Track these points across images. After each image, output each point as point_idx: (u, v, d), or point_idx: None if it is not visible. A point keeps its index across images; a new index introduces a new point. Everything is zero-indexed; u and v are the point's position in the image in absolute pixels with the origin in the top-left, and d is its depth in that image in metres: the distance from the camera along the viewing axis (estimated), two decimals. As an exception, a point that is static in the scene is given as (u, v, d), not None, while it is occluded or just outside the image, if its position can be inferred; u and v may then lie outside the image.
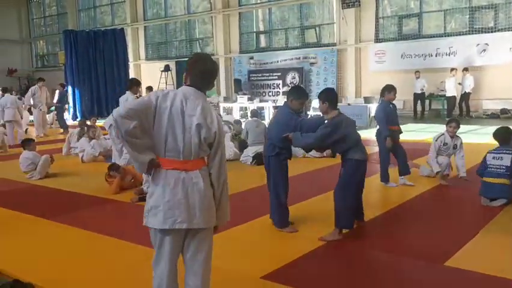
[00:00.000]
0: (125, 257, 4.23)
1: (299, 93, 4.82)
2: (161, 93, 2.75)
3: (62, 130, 15.46)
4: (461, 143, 6.67)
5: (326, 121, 4.61)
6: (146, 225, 2.75)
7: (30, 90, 14.95)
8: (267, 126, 4.94)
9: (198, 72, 2.79)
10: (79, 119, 15.23)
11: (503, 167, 5.49)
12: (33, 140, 8.70)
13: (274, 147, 4.76)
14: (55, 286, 3.63)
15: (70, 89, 19.07)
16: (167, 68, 22.55)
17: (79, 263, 4.11)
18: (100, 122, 12.20)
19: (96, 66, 20.05)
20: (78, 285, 3.67)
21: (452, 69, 15.25)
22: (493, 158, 5.61)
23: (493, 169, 5.57)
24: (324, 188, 6.19)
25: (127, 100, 7.46)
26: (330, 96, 4.63)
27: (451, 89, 15.18)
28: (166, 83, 22.55)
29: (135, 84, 8.10)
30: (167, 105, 2.68)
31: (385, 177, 6.59)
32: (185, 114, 2.68)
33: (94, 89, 19.91)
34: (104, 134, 9.99)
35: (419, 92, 15.73)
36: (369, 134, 11.50)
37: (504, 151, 5.58)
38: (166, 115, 2.67)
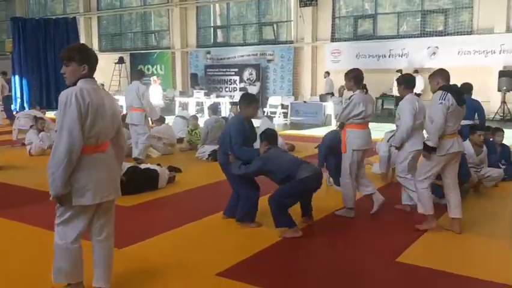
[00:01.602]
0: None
1: (248, 100, 4.88)
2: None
3: (8, 121, 14.80)
4: None
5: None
6: None
7: None
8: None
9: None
10: (26, 110, 14.61)
11: None
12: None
13: (225, 154, 4.83)
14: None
15: (17, 78, 18.28)
16: (121, 60, 22.02)
17: (24, 258, 3.94)
18: (50, 114, 11.75)
19: (46, 55, 19.30)
20: (22, 280, 3.51)
21: (397, 70, 15.68)
22: None
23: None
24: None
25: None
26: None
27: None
28: (119, 75, 22.03)
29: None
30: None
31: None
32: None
33: (44, 79, 19.18)
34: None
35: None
36: (324, 132, 11.69)
37: None
38: None
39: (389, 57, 16.82)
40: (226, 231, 4.75)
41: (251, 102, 4.86)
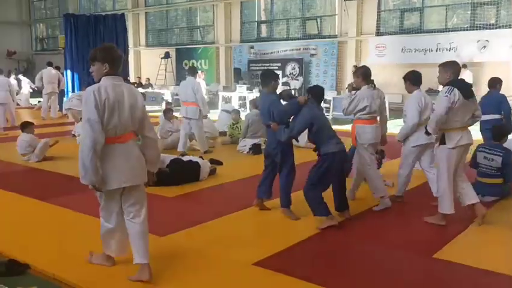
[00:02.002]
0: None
1: (264, 79, 5.07)
2: None
3: (61, 114, 15.47)
4: None
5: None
6: None
7: (39, 72, 15.27)
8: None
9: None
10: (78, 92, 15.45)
11: (495, 169, 5.52)
12: (32, 123, 8.72)
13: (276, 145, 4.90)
14: (50, 266, 3.68)
15: (68, 73, 19.03)
16: (167, 55, 22.49)
17: (74, 244, 4.16)
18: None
19: (96, 51, 19.95)
20: (73, 266, 3.73)
21: None
22: (484, 157, 5.62)
23: (484, 169, 5.60)
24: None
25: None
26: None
27: None
28: (165, 69, 22.52)
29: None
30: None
31: None
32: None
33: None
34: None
35: None
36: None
37: (494, 152, 5.56)
38: None
39: (437, 51, 16.34)
40: (264, 223, 4.84)
41: (268, 80, 5.04)
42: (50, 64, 15.93)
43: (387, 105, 14.30)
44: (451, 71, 4.63)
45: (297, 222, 4.82)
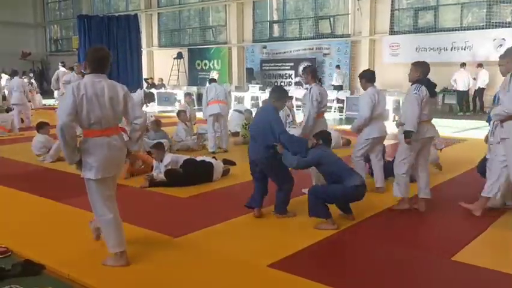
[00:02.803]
0: (133, 240, 4.28)
1: (280, 94, 5.05)
2: None
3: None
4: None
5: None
6: None
7: (55, 73, 15.41)
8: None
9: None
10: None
11: None
12: (47, 124, 8.79)
13: (268, 148, 4.82)
14: (65, 267, 3.69)
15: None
16: (180, 55, 22.56)
17: (89, 245, 4.17)
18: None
19: (109, 51, 20.08)
20: (88, 266, 3.73)
21: (462, 64, 15.08)
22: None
23: None
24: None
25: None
26: None
27: (462, 83, 15.07)
28: (178, 70, 22.59)
29: None
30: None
31: None
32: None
33: (107, 75, 19.98)
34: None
35: None
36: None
37: None
38: None
39: (451, 50, 16.16)
40: (278, 224, 4.80)
41: (282, 97, 5.05)
42: (63, 64, 15.99)
43: (401, 104, 14.22)
44: (420, 70, 5.14)
45: (312, 223, 4.77)
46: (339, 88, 17.49)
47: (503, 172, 4.75)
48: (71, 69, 16.95)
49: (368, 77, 5.96)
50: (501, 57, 4.73)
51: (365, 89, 5.95)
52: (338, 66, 18.00)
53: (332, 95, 17.00)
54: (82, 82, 3.62)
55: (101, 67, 3.73)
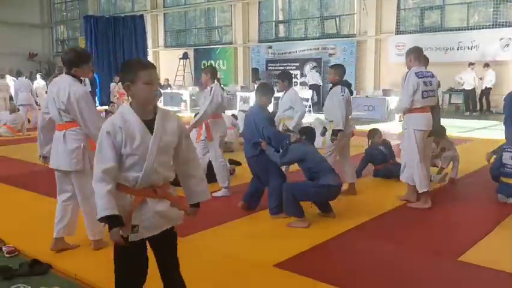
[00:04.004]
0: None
1: (265, 90, 5.20)
2: None
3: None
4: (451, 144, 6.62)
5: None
6: None
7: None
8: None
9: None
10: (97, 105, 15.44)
11: None
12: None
13: (256, 146, 4.93)
14: (72, 266, 3.71)
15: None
16: (185, 56, 22.61)
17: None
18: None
19: (115, 52, 20.17)
20: (95, 266, 3.75)
21: (470, 64, 15.01)
22: (510, 157, 5.48)
23: (509, 169, 5.46)
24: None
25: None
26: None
27: (469, 82, 15.00)
28: (184, 70, 22.64)
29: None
30: None
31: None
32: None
33: (113, 76, 20.07)
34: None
35: None
36: (386, 127, 11.43)
37: None
38: None
39: (458, 49, 16.09)
40: (284, 224, 4.79)
41: (268, 93, 5.19)
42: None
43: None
44: (340, 72, 5.71)
45: (318, 223, 4.77)
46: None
47: None
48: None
49: (290, 79, 6.41)
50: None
51: (283, 90, 6.32)
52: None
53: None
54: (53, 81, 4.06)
55: (67, 68, 3.94)
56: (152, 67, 2.44)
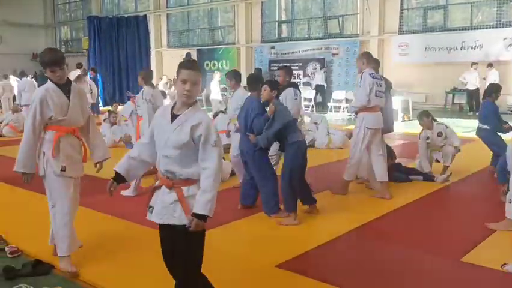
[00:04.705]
0: (142, 240, 4.30)
1: (252, 83, 5.15)
2: None
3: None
4: (446, 129, 6.60)
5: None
6: None
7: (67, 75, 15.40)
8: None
9: None
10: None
11: None
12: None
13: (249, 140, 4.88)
14: (75, 267, 3.71)
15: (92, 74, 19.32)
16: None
17: (98, 244, 4.20)
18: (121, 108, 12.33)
19: (118, 52, 20.20)
20: (96, 266, 3.75)
21: (473, 64, 14.96)
22: None
23: None
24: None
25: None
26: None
27: (472, 82, 14.97)
28: (187, 70, 22.62)
29: None
30: None
31: None
32: None
33: (116, 76, 20.11)
34: (125, 120, 10.09)
35: None
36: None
37: None
38: None
39: (461, 49, 16.04)
40: (284, 225, 4.79)
41: (254, 84, 5.13)
42: (79, 66, 16.07)
43: (410, 104, 14.16)
44: (289, 73, 5.91)
45: (319, 224, 4.76)
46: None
47: None
48: (84, 70, 17.04)
49: (239, 78, 6.24)
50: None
51: (234, 88, 6.24)
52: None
53: (340, 95, 16.98)
54: None
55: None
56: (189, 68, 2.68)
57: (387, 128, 6.03)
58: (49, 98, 3.57)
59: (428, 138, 6.54)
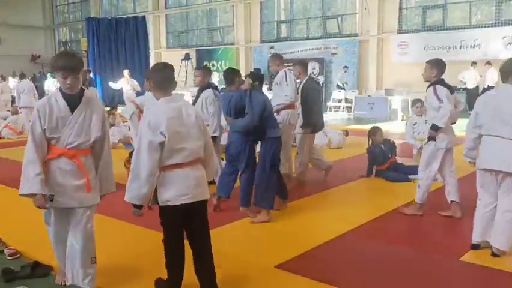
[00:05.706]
0: (142, 241, 4.29)
1: (228, 79, 5.21)
2: None
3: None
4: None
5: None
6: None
7: None
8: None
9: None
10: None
11: None
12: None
13: (249, 134, 4.90)
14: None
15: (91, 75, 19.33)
16: (187, 57, 22.62)
17: (97, 247, 4.18)
18: (119, 110, 12.33)
19: (117, 53, 20.22)
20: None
21: (473, 62, 14.97)
22: None
23: None
24: (344, 179, 6.16)
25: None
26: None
27: (471, 81, 14.98)
28: (186, 71, 22.64)
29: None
30: None
31: None
32: None
33: (115, 77, 20.09)
34: (123, 122, 10.10)
35: None
36: (389, 127, 11.41)
37: None
38: None
39: (460, 48, 16.06)
40: (285, 225, 4.79)
41: (231, 79, 5.17)
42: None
43: (409, 103, 14.14)
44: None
45: (318, 225, 4.76)
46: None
47: None
48: (89, 71, 17.03)
49: (207, 72, 6.33)
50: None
51: (202, 87, 6.14)
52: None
53: (339, 95, 16.98)
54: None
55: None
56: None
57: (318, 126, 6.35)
58: (48, 109, 3.00)
59: (415, 123, 7.18)
